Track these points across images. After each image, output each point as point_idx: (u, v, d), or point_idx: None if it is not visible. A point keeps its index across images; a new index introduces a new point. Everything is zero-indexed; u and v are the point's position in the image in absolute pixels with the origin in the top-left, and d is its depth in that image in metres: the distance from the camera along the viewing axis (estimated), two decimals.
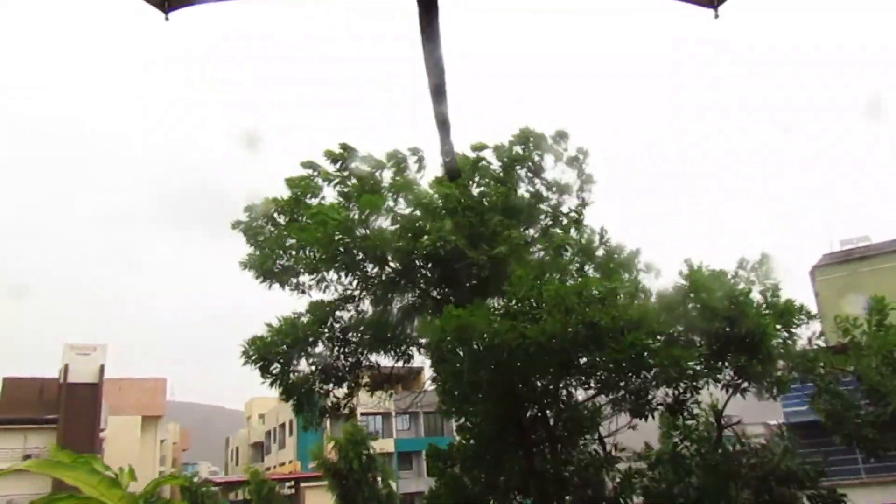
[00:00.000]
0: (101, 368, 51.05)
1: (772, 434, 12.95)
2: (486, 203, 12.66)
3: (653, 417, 12.10)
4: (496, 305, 11.14)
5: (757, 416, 12.86)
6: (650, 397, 11.84)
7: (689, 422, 12.72)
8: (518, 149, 13.60)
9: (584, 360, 10.64)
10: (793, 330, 11.59)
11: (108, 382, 52.11)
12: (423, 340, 13.53)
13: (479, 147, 13.55)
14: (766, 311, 11.38)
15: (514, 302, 10.43)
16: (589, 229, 13.75)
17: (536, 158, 13.71)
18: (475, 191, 13.05)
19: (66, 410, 47.95)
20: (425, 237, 11.51)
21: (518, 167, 13.60)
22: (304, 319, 12.75)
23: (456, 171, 9.11)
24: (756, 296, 11.59)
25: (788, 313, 11.39)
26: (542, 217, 13.79)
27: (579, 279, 11.45)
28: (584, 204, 14.08)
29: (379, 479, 29.61)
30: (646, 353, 10.28)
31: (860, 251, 29.01)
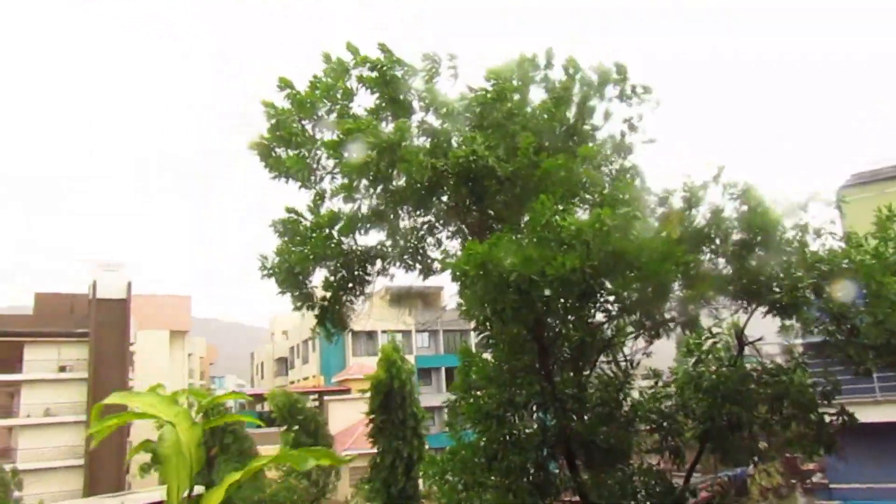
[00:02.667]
0: (129, 284, 52.24)
1: (787, 353, 12.90)
2: (521, 120, 12.22)
3: (667, 337, 12.17)
4: (518, 235, 10.95)
5: (774, 336, 12.79)
6: (667, 317, 11.89)
7: (710, 340, 12.77)
8: (560, 77, 13.08)
9: (605, 289, 10.58)
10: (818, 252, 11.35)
11: (135, 298, 53.43)
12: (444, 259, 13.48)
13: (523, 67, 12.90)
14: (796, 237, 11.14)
15: (533, 234, 10.27)
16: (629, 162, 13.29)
17: (582, 88, 13.18)
18: (511, 107, 12.47)
19: (97, 325, 49.49)
20: (455, 152, 11.26)
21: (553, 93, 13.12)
22: (318, 233, 12.52)
23: None
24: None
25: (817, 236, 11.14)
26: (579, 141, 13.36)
27: (605, 203, 11.21)
28: (634, 123, 13.51)
29: (411, 393, 30.46)
30: (668, 285, 10.24)
31: (888, 171, 28.27)
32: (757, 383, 11.95)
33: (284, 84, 12.45)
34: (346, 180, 11.95)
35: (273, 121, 12.39)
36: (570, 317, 11.90)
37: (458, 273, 10.32)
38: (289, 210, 12.52)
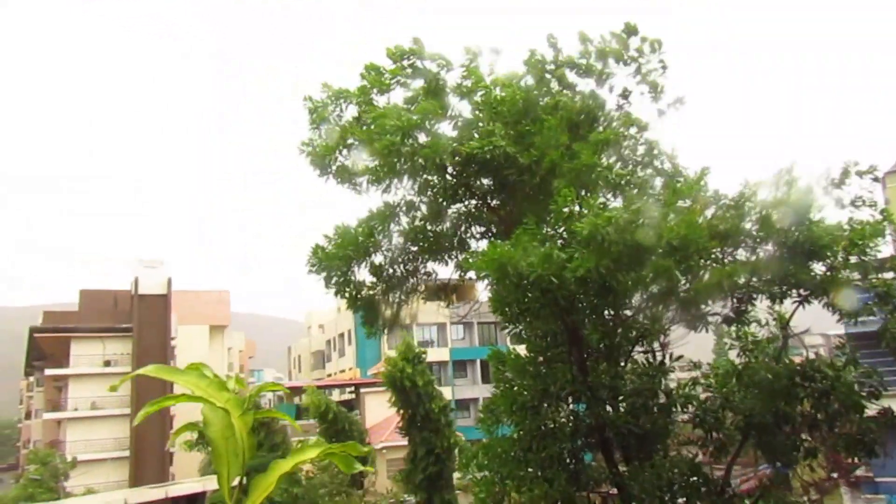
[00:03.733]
0: (169, 281, 53.33)
1: (831, 346, 12.63)
2: (540, 107, 12.20)
3: (706, 331, 12.01)
4: (539, 234, 10.91)
5: (815, 326, 12.53)
6: (705, 309, 11.74)
7: (753, 331, 12.56)
8: (576, 53, 13.03)
9: (623, 284, 10.50)
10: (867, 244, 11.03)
11: (176, 294, 54.49)
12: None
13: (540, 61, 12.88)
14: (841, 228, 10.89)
15: (554, 231, 10.24)
16: (647, 141, 13.19)
17: (598, 64, 13.10)
18: (529, 94, 12.45)
19: (139, 320, 50.66)
20: (472, 141, 11.32)
21: (577, 71, 13.05)
22: (362, 228, 12.76)
23: None
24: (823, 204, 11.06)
25: (865, 234, 10.83)
26: (602, 122, 13.25)
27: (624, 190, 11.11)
28: (658, 90, 13.30)
29: (430, 389, 30.71)
30: (692, 272, 10.11)
31: None
32: (803, 378, 11.72)
33: (325, 87, 12.65)
34: (375, 167, 12.10)
35: (314, 115, 12.58)
36: (592, 315, 11.87)
37: (479, 272, 10.42)
38: (338, 228, 12.68)
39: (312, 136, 12.72)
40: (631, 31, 13.04)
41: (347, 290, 13.03)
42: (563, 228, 9.90)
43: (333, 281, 12.67)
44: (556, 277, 9.36)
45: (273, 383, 27.82)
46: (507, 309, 11.08)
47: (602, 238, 9.27)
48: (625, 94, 13.33)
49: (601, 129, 12.69)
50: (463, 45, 12.65)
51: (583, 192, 10.38)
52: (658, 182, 12.46)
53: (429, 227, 13.20)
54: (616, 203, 10.38)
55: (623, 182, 11.80)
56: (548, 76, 13.05)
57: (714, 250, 10.43)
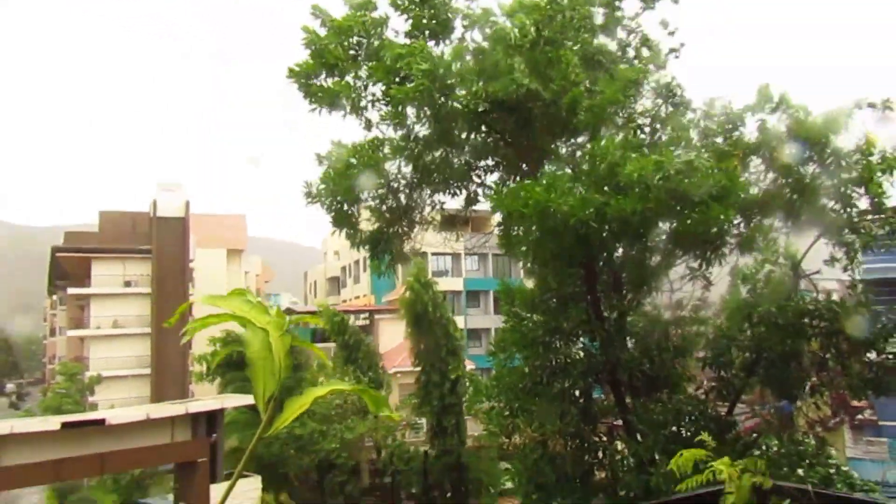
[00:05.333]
0: (187, 204, 53.66)
1: (845, 290, 12.58)
2: (561, 38, 11.86)
3: (720, 264, 12.05)
4: (570, 173, 10.75)
5: (832, 272, 12.49)
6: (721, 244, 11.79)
7: (765, 270, 12.58)
8: None
9: (664, 229, 10.51)
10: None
11: (193, 218, 54.87)
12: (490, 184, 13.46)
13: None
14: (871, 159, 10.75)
15: (592, 176, 10.07)
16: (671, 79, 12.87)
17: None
18: (548, 26, 12.04)
19: (158, 242, 51.25)
20: (496, 83, 11.03)
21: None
22: (367, 157, 12.40)
23: None
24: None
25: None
26: (621, 58, 12.97)
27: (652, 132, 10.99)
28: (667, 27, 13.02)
29: (442, 315, 31.14)
30: (727, 226, 10.11)
31: None
32: (812, 317, 11.78)
33: (318, 11, 12.12)
34: (393, 108, 11.72)
35: (313, 48, 12.05)
36: (625, 251, 11.89)
37: (512, 213, 10.18)
38: (335, 144, 12.41)
39: (316, 69, 12.19)
40: None
41: (348, 225, 12.84)
42: (609, 177, 9.76)
43: (333, 213, 12.50)
44: (594, 222, 9.33)
45: (310, 314, 28.34)
46: (534, 253, 11.05)
47: (647, 184, 9.22)
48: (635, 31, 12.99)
49: (621, 64, 12.43)
50: None
51: (603, 130, 10.26)
52: (683, 121, 12.25)
53: (437, 157, 12.94)
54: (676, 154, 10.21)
55: (646, 120, 11.64)
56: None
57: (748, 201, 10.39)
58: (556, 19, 11.65)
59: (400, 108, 11.50)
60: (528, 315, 13.03)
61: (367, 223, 13.51)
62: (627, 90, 11.20)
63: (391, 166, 12.87)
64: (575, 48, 11.67)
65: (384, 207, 13.24)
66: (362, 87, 12.26)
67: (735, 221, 11.09)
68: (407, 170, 13.06)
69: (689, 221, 9.60)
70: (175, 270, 51.26)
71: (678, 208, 9.66)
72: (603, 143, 9.93)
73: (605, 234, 9.95)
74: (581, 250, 10.58)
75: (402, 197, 13.30)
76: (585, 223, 9.34)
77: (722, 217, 9.48)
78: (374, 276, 61.95)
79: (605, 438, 12.66)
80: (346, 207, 12.53)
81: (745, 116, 11.33)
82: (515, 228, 10.65)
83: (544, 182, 9.74)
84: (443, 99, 11.28)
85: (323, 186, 12.27)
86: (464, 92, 11.17)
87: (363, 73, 12.09)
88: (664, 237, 11.24)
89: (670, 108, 12.43)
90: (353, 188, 12.23)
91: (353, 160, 12.13)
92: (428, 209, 13.93)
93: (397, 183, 13.11)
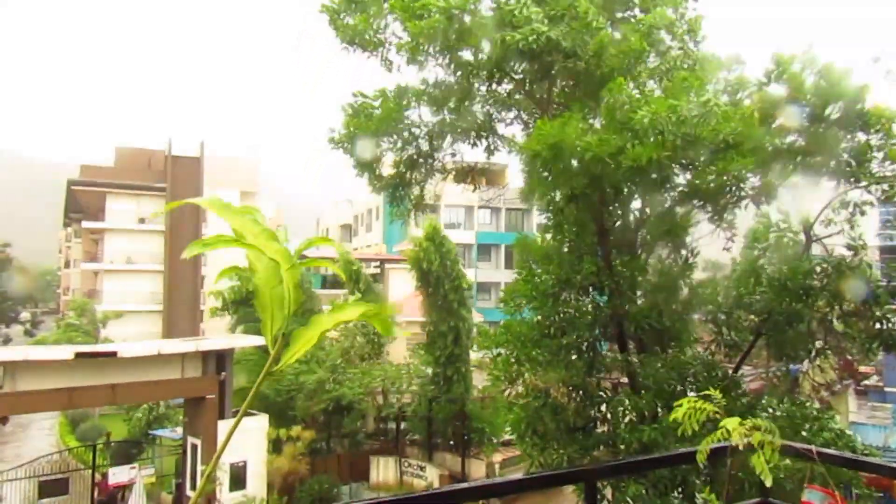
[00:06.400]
0: (202, 143, 53.67)
1: (848, 250, 12.48)
2: None
3: (734, 216, 12.01)
4: (589, 115, 10.63)
5: (840, 238, 12.41)
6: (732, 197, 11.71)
7: (776, 233, 12.53)
8: None
9: (681, 179, 10.42)
10: None
11: (207, 159, 54.92)
12: (510, 135, 13.38)
13: None
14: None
15: (607, 118, 9.98)
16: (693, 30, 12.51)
17: None
18: None
19: (172, 180, 51.44)
20: (515, 32, 10.90)
21: None
22: (392, 102, 12.57)
23: None
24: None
25: None
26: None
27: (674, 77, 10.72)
28: None
29: (452, 270, 31.29)
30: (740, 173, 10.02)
31: None
32: (820, 278, 11.76)
33: None
34: (412, 45, 11.79)
35: None
36: (634, 203, 11.82)
37: (529, 154, 10.27)
38: (356, 94, 12.52)
39: (344, 6, 12.31)
40: None
41: (370, 170, 13.04)
42: (620, 119, 9.68)
43: (356, 158, 12.68)
44: (611, 160, 9.29)
45: (323, 238, 28.46)
46: (548, 193, 11.04)
47: (661, 129, 9.13)
48: None
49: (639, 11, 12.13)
50: None
51: (628, 79, 10.07)
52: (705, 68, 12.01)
53: (458, 105, 12.99)
54: (659, 92, 10.05)
55: (669, 68, 11.42)
56: None
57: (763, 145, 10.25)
58: None
59: (419, 46, 11.49)
60: (542, 267, 13.10)
61: (387, 169, 13.71)
62: (651, 36, 10.94)
63: (412, 113, 12.94)
64: None
65: (405, 155, 13.36)
66: (382, 25, 12.23)
67: (752, 174, 11.07)
68: (428, 117, 13.15)
69: (707, 173, 9.52)
70: (188, 209, 51.49)
71: (694, 156, 9.56)
72: (616, 83, 9.74)
73: (618, 177, 9.85)
74: (595, 193, 10.51)
75: (423, 144, 13.38)
76: (600, 161, 9.28)
77: (740, 167, 9.40)
78: (387, 225, 62.13)
79: (609, 393, 12.79)
80: (368, 153, 12.67)
81: (761, 80, 11.13)
82: (532, 171, 10.65)
83: (561, 123, 9.71)
84: (460, 42, 11.17)
85: (345, 132, 12.39)
86: (483, 40, 11.01)
87: (386, 8, 12.03)
88: (679, 188, 11.17)
89: (693, 48, 12.15)
90: (376, 134, 12.37)
91: (376, 105, 12.23)
92: (449, 157, 14.04)
93: (419, 129, 13.18)
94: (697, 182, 10.25)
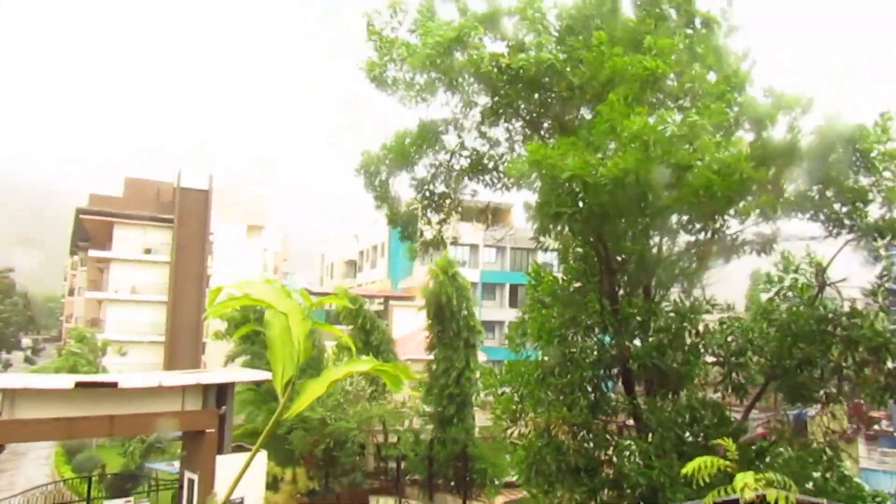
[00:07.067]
0: (211, 176, 54.06)
1: (865, 296, 12.32)
2: (595, 23, 11.65)
3: (737, 256, 11.91)
4: (580, 140, 10.57)
5: (855, 280, 12.29)
6: (736, 238, 11.63)
7: (791, 276, 12.40)
8: None
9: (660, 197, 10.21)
10: None
11: (216, 191, 55.26)
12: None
13: None
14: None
15: (596, 136, 9.92)
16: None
17: None
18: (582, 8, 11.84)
19: (180, 212, 51.68)
20: (521, 55, 11.01)
21: None
22: (410, 138, 12.76)
23: None
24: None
25: None
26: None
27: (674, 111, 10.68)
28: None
29: (465, 307, 31.12)
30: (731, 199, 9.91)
31: None
32: (833, 325, 11.60)
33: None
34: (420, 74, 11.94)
35: (371, 27, 12.43)
36: (632, 231, 11.74)
37: (518, 175, 10.30)
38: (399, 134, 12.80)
39: (370, 45, 12.55)
40: None
41: (388, 202, 13.15)
42: (609, 134, 9.60)
43: (376, 185, 12.81)
44: (590, 178, 9.16)
45: (335, 295, 28.38)
46: (542, 214, 10.99)
47: (646, 142, 9.03)
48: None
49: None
50: None
51: (631, 105, 9.94)
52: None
53: (472, 146, 13.17)
54: (677, 117, 9.86)
55: (684, 92, 11.28)
56: None
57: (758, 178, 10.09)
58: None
59: (419, 83, 11.68)
60: (550, 304, 13.03)
61: (405, 206, 13.90)
62: (666, 57, 10.78)
63: (432, 149, 13.14)
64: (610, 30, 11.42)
65: (424, 191, 13.53)
66: (402, 70, 12.41)
67: (753, 219, 11.02)
68: (446, 156, 13.32)
69: (689, 193, 9.37)
70: (195, 241, 51.71)
71: (677, 175, 9.43)
72: (608, 101, 9.67)
73: (603, 198, 9.66)
74: (582, 215, 10.33)
75: (440, 183, 13.53)
76: (581, 181, 9.18)
77: (718, 192, 9.28)
78: (392, 262, 62.12)
79: (615, 437, 12.58)
80: (387, 183, 12.83)
81: (775, 115, 10.95)
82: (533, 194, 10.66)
83: (553, 146, 9.72)
84: (455, 70, 11.30)
85: (370, 168, 12.84)
86: (475, 61, 11.08)
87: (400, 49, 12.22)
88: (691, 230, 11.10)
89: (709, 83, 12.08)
90: (399, 168, 12.58)
91: (391, 147, 12.56)
92: (467, 196, 14.13)
93: (436, 167, 13.35)
94: (677, 198, 10.04)
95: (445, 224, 14.23)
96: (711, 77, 11.47)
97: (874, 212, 11.03)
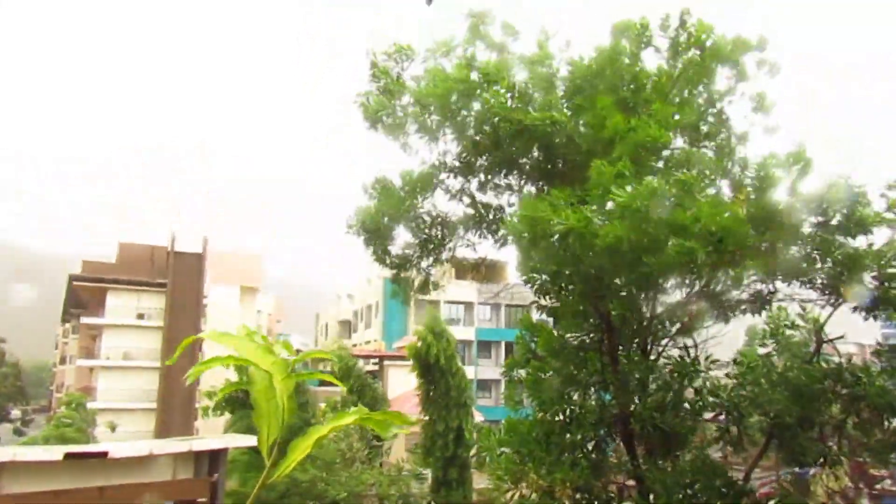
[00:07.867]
0: (205, 240, 54.20)
1: (866, 355, 12.29)
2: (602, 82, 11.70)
3: (733, 315, 11.84)
4: (575, 202, 10.54)
5: (852, 335, 12.25)
6: (734, 298, 11.59)
7: (788, 332, 12.36)
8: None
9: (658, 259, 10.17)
10: None
11: (209, 254, 55.34)
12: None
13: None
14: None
15: (592, 199, 9.91)
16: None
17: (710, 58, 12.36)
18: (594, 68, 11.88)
19: (174, 276, 51.61)
20: (534, 113, 10.99)
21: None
22: (407, 186, 12.52)
23: None
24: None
25: None
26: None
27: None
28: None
29: (453, 366, 30.81)
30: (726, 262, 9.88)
31: None
32: (835, 382, 11.48)
33: (400, 50, 12.35)
34: (425, 115, 11.79)
35: (374, 71, 12.28)
36: (623, 294, 11.68)
37: (514, 233, 10.21)
38: (378, 181, 12.56)
39: (370, 89, 12.31)
40: (762, 43, 12.11)
41: (387, 256, 12.99)
42: (602, 198, 9.57)
43: (374, 244, 12.64)
44: (587, 236, 9.07)
45: (320, 351, 28.13)
46: (533, 273, 10.91)
47: (639, 209, 8.95)
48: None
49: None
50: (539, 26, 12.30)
51: (622, 168, 9.97)
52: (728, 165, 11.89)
53: (471, 195, 13.04)
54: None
55: (687, 159, 11.30)
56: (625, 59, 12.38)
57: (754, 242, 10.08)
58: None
59: (426, 116, 11.62)
60: (548, 360, 12.85)
61: (397, 249, 13.66)
62: (669, 125, 10.80)
63: (425, 201, 13.00)
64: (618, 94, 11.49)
65: (417, 238, 13.34)
66: (404, 112, 12.35)
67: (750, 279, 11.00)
68: (441, 205, 13.22)
69: (682, 257, 9.27)
70: (189, 305, 51.46)
71: (673, 240, 9.32)
72: (596, 166, 9.62)
73: (599, 260, 9.59)
74: (578, 274, 10.25)
75: (437, 229, 13.35)
76: (577, 239, 9.08)
77: (714, 254, 9.20)
78: (386, 323, 61.76)
79: (616, 499, 12.28)
80: (378, 232, 12.68)
81: (776, 175, 10.95)
82: (524, 249, 10.55)
83: (547, 201, 9.66)
84: (468, 118, 11.32)
85: (360, 216, 12.48)
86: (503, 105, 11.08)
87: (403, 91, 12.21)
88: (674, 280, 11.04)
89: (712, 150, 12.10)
90: (392, 219, 12.44)
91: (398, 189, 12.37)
92: (461, 247, 13.91)
93: (432, 217, 13.19)
94: (662, 261, 9.92)
95: (439, 265, 13.88)
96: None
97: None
